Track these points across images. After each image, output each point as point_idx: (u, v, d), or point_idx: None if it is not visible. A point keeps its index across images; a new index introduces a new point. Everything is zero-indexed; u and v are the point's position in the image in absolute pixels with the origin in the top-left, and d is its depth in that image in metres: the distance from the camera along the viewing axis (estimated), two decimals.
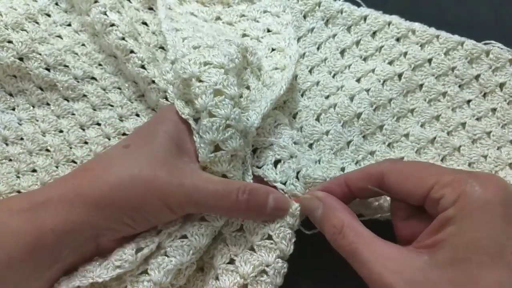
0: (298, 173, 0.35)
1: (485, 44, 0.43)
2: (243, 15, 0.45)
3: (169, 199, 0.31)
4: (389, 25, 0.44)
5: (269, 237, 0.33)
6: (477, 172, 0.27)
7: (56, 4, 0.44)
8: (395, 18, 0.44)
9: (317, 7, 0.45)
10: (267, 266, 0.32)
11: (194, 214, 0.33)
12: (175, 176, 0.31)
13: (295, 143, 0.37)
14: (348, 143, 0.41)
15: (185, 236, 0.32)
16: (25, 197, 0.32)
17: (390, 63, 0.43)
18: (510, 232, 0.24)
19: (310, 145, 0.40)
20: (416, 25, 0.44)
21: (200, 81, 0.32)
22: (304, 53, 0.44)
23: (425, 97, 0.42)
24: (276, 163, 0.36)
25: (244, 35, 0.44)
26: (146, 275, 0.31)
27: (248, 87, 0.37)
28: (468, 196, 0.25)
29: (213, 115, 0.32)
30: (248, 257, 0.33)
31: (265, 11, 0.45)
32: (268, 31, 0.44)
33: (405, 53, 0.43)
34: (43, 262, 0.30)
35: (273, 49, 0.42)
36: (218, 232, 0.34)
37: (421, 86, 0.43)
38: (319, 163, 0.39)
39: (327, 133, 0.41)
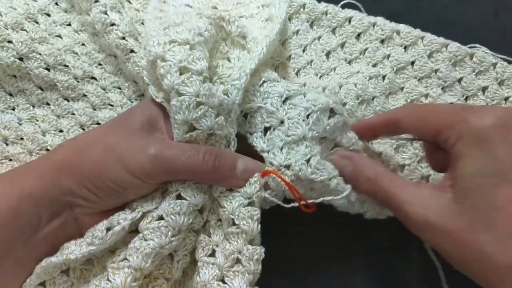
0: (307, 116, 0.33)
1: (470, 47, 0.43)
2: (239, 3, 0.44)
3: (130, 164, 0.30)
4: (373, 26, 0.44)
5: (233, 222, 0.31)
6: (473, 106, 0.30)
7: (56, 3, 0.44)
8: (379, 20, 0.44)
9: (301, 9, 0.45)
10: (239, 253, 0.31)
11: (170, 192, 0.32)
12: (139, 141, 0.31)
13: (286, 99, 0.34)
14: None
15: (162, 218, 0.31)
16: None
17: (374, 65, 0.43)
18: None
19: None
20: (401, 27, 0.44)
21: (164, 60, 0.31)
22: (290, 55, 0.44)
23: (406, 98, 0.42)
24: (266, 129, 0.34)
25: (239, 17, 0.42)
26: (126, 261, 0.30)
27: (228, 59, 0.36)
28: (469, 131, 0.28)
29: (181, 94, 0.30)
30: (224, 246, 0.31)
31: (262, 6, 0.44)
32: (262, 6, 0.43)
33: (388, 56, 0.43)
34: (25, 228, 0.30)
35: (266, 20, 0.41)
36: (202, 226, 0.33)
37: (402, 88, 0.43)
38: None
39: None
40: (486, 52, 0.43)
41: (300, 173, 0.32)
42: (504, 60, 0.43)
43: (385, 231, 0.38)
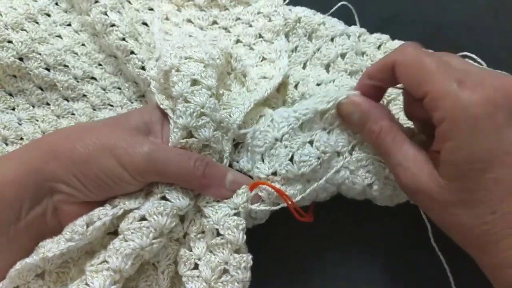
0: (271, 119, 0.34)
1: (462, 57, 0.43)
2: (239, 18, 0.45)
3: (123, 157, 0.30)
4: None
5: (218, 233, 0.32)
6: (469, 81, 0.27)
7: (56, 4, 0.44)
8: (369, 48, 0.44)
9: (297, 24, 0.45)
10: (226, 264, 0.31)
11: (155, 193, 0.32)
12: (133, 138, 0.31)
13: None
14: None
15: (144, 218, 0.30)
16: None
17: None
18: (501, 137, 0.26)
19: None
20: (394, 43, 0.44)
21: (179, 71, 0.33)
22: (289, 75, 0.43)
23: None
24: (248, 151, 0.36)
25: (238, 41, 0.44)
26: (106, 263, 0.29)
27: (230, 90, 0.38)
28: (457, 112, 0.27)
29: (188, 102, 0.32)
30: (208, 259, 0.31)
31: (258, 13, 0.45)
32: (260, 36, 0.44)
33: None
34: (6, 216, 0.30)
35: (263, 58, 0.43)
36: (183, 236, 0.33)
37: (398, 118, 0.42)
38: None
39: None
40: (476, 59, 0.42)
41: (288, 174, 0.33)
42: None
43: (383, 233, 0.38)
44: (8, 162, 0.31)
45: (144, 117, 0.34)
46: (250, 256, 0.31)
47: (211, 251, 0.32)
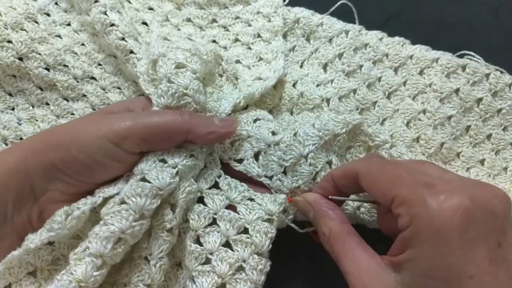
0: (295, 133, 0.35)
1: (461, 55, 0.43)
2: (238, 17, 0.46)
3: (103, 128, 0.30)
4: (366, 47, 0.44)
5: (245, 231, 0.32)
6: (439, 187, 0.25)
7: (56, 3, 0.44)
8: (372, 39, 0.44)
9: (296, 24, 0.45)
10: (243, 262, 0.31)
11: (135, 175, 0.31)
12: (115, 116, 0.32)
13: (273, 132, 0.35)
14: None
15: (124, 202, 0.29)
16: None
17: (368, 86, 0.43)
18: (468, 256, 0.24)
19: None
20: (390, 50, 0.44)
21: (165, 56, 0.34)
22: (286, 73, 0.44)
23: (403, 119, 0.42)
24: (256, 156, 0.35)
25: (236, 40, 0.44)
26: (87, 249, 0.28)
27: (221, 87, 0.38)
28: (423, 219, 0.24)
29: (171, 82, 0.32)
30: (224, 254, 0.31)
31: (258, 12, 0.45)
32: (259, 36, 0.44)
33: (380, 78, 0.43)
34: None
35: (260, 58, 0.43)
36: (189, 230, 0.33)
37: (397, 110, 0.42)
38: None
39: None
40: (478, 61, 0.42)
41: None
42: (496, 70, 0.42)
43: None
44: None
45: (127, 105, 0.35)
46: (269, 262, 0.32)
47: (227, 245, 0.32)
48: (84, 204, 0.30)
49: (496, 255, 0.24)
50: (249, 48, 0.44)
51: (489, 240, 0.24)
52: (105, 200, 0.30)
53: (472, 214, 0.24)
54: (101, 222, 0.29)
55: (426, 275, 0.24)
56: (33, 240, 0.29)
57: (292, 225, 0.34)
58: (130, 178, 0.31)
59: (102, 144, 0.30)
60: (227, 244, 0.32)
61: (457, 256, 0.23)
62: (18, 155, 0.30)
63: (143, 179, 0.31)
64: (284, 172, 0.34)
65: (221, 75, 0.39)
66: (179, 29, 0.44)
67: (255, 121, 0.36)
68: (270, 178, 0.34)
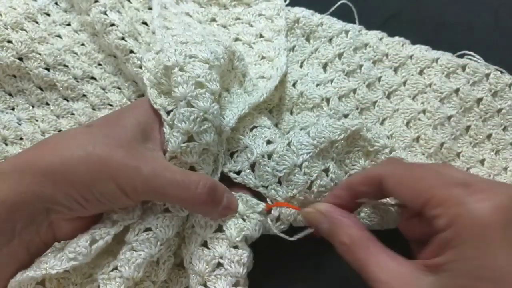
0: (288, 143, 0.34)
1: (461, 55, 0.43)
2: (238, 18, 0.45)
3: (123, 181, 0.29)
4: (366, 47, 0.44)
5: (220, 229, 0.33)
6: (476, 186, 0.25)
7: (56, 3, 0.44)
8: (372, 39, 0.44)
9: (296, 24, 0.45)
10: (221, 258, 0.32)
11: (156, 206, 0.33)
12: (133, 158, 0.30)
13: (268, 141, 0.35)
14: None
15: (149, 229, 0.32)
16: None
17: (368, 86, 0.43)
18: None
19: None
20: (390, 50, 0.43)
21: (183, 71, 0.32)
22: (286, 72, 0.43)
23: (403, 119, 0.42)
24: (253, 166, 0.35)
25: (236, 39, 0.44)
26: (117, 271, 0.30)
27: (227, 90, 0.37)
28: (464, 219, 0.24)
29: (191, 106, 0.31)
30: (200, 253, 0.32)
31: (260, 14, 0.45)
32: (261, 36, 0.44)
33: (379, 78, 0.43)
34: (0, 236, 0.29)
35: (263, 57, 0.43)
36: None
37: (397, 110, 0.42)
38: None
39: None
40: (478, 61, 0.42)
41: (305, 201, 0.34)
42: (496, 70, 0.42)
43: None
44: (1, 181, 0.29)
45: (140, 122, 0.32)
46: (246, 254, 0.32)
47: (205, 244, 0.33)
48: (107, 234, 0.31)
49: None
50: (251, 47, 0.43)
51: None
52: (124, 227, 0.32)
53: (511, 213, 0.23)
54: (129, 246, 0.31)
55: (469, 276, 0.23)
56: (54, 266, 0.30)
57: (281, 234, 0.34)
58: (147, 205, 0.33)
59: (123, 197, 0.30)
60: (203, 244, 0.33)
61: (501, 256, 0.23)
62: (33, 179, 0.29)
63: (167, 210, 0.33)
64: (279, 182, 0.34)
65: (229, 71, 0.38)
66: (179, 17, 0.43)
67: (251, 129, 0.36)
68: (266, 187, 0.34)
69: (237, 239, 0.32)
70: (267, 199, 0.34)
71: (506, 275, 0.23)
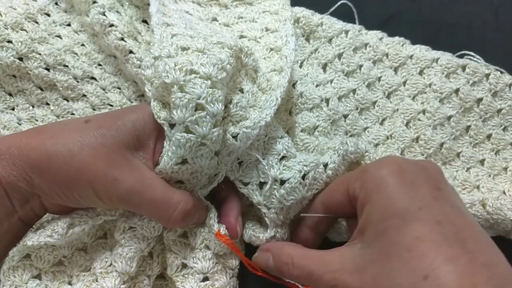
0: (303, 175, 0.34)
1: (461, 55, 0.43)
2: (241, 17, 0.45)
3: (100, 190, 0.30)
4: (366, 46, 0.44)
5: (184, 235, 0.34)
6: (375, 162, 0.31)
7: (56, 4, 0.44)
8: (372, 39, 0.44)
9: (296, 24, 0.44)
10: (184, 259, 0.33)
11: None
12: (115, 169, 0.30)
13: (283, 157, 0.34)
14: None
15: (133, 228, 0.33)
16: None
17: (368, 86, 0.43)
18: (411, 193, 0.27)
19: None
20: (390, 50, 0.44)
21: (183, 91, 0.30)
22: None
23: (402, 119, 0.42)
24: (261, 184, 0.34)
25: (241, 37, 0.43)
26: (113, 266, 0.32)
27: (241, 90, 0.35)
28: (369, 179, 0.28)
29: (190, 132, 0.30)
30: (170, 256, 0.34)
31: (264, 11, 0.45)
32: (266, 30, 0.43)
33: (379, 78, 0.43)
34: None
35: (271, 49, 0.41)
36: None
37: (397, 110, 0.42)
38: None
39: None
40: (478, 61, 0.42)
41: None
42: (496, 70, 0.42)
43: None
44: None
45: (138, 129, 0.32)
46: (209, 251, 0.33)
47: (171, 250, 0.34)
48: (85, 223, 0.32)
49: (438, 195, 0.27)
50: (257, 42, 0.42)
51: (428, 184, 0.27)
52: (103, 221, 0.33)
53: (404, 166, 0.28)
54: (121, 242, 0.32)
55: (382, 218, 0.26)
56: (31, 238, 0.31)
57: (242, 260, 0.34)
58: None
59: (99, 202, 0.31)
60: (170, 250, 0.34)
61: (401, 196, 0.27)
62: (23, 169, 0.30)
63: None
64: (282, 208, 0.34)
65: (239, 70, 0.36)
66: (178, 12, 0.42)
67: (265, 141, 0.35)
68: (268, 209, 0.34)
69: (197, 244, 0.34)
70: (266, 220, 0.34)
71: (409, 208, 0.26)
